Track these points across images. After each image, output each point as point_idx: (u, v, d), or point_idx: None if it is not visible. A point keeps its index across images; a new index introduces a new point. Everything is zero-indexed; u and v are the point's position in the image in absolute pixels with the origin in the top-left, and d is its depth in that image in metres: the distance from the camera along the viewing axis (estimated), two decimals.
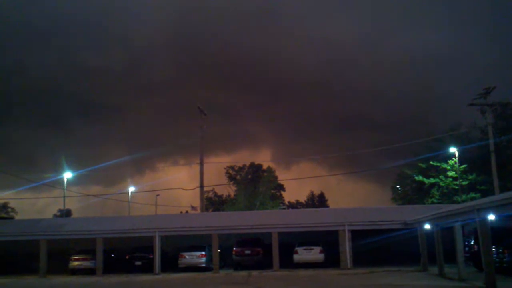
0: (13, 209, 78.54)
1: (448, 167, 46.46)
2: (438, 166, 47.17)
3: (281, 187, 75.50)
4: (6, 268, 33.69)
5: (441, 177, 47.20)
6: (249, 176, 73.83)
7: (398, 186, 64.67)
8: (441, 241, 24.02)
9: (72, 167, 56.35)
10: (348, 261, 30.14)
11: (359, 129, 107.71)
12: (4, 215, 72.08)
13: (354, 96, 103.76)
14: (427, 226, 25.73)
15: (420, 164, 49.76)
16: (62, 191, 53.66)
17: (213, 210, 68.09)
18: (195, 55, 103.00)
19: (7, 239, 33.26)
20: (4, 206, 78.55)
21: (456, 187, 45.62)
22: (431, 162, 47.75)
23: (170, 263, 32.41)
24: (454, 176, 46.09)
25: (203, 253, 31.91)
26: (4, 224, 39.97)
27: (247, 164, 75.43)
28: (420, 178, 49.41)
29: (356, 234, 30.93)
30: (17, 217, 71.66)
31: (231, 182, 74.36)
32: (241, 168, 75.52)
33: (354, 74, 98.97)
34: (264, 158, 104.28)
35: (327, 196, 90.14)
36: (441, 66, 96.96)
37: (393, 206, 53.88)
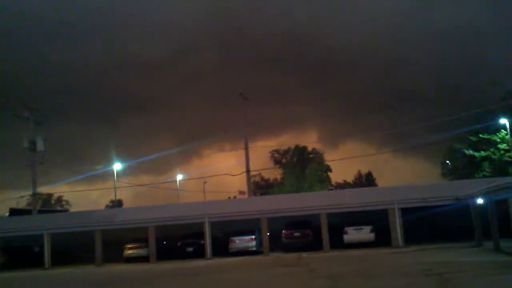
0: (67, 202, 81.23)
1: (498, 139, 45.09)
2: (489, 139, 45.82)
3: (328, 168, 75.00)
4: (64, 259, 35.00)
5: (492, 150, 45.86)
6: (295, 159, 73.76)
7: (447, 161, 63.28)
8: (496, 215, 23.41)
9: (122, 159, 57.66)
10: (400, 239, 29.78)
11: (407, 105, 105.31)
12: (59, 208, 74.72)
13: (401, 71, 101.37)
14: (481, 201, 25.10)
15: (470, 137, 48.46)
16: (114, 183, 55.13)
17: (261, 194, 68.37)
18: (237, 40, 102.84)
19: (64, 231, 34.44)
20: (59, 199, 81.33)
21: (509, 159, 44.24)
22: (480, 135, 46.43)
23: (221, 248, 32.81)
24: (506, 148, 44.70)
25: (253, 237, 32.16)
26: (61, 217, 41.43)
27: (292, 147, 75.38)
28: (471, 152, 48.16)
29: (407, 212, 30.49)
30: (71, 209, 74.06)
31: (277, 166, 74.47)
32: (286, 151, 75.52)
33: (400, 49, 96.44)
34: (310, 139, 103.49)
35: (375, 175, 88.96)
36: (490, 35, 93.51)
37: (443, 182, 52.78)
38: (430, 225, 31.97)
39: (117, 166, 54.85)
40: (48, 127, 47.02)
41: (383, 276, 17.76)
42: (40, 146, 41.54)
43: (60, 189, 73.76)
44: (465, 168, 54.19)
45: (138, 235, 34.18)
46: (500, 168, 45.42)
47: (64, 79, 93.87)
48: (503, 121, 43.38)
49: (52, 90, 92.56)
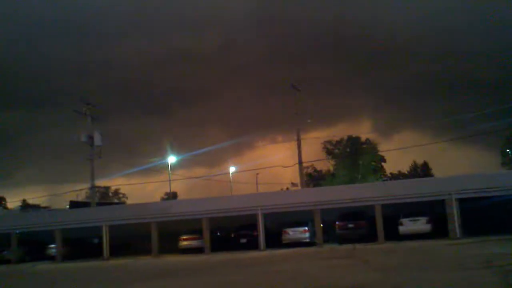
0: (124, 195, 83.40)
1: None
2: None
3: (382, 159, 73.75)
4: (122, 250, 36.03)
5: None
6: (348, 150, 72.92)
7: (508, 150, 61.06)
8: None
9: (176, 152, 58.63)
10: (457, 230, 29.00)
11: (462, 93, 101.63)
12: (116, 201, 76.87)
13: (456, 58, 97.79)
14: None
15: None
16: (168, 175, 56.21)
17: (313, 186, 68.05)
18: (287, 31, 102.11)
19: (121, 222, 35.44)
20: (116, 192, 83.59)
21: None
22: None
23: (274, 240, 32.90)
24: None
25: (306, 228, 32.09)
26: (118, 209, 42.59)
27: (345, 137, 74.51)
28: None
29: (465, 202, 29.62)
30: (128, 201, 76.03)
31: (330, 157, 73.82)
32: (339, 142, 74.71)
33: (457, 32, 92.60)
34: (364, 129, 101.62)
35: (431, 165, 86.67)
36: None
37: (503, 171, 50.95)
38: (489, 216, 30.93)
39: (172, 159, 55.86)
40: (105, 122, 48.20)
41: (440, 268, 17.30)
42: (97, 140, 42.69)
43: (116, 182, 75.92)
44: None
45: (192, 227, 34.75)
46: None
47: (112, 75, 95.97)
48: None
49: (105, 86, 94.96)
